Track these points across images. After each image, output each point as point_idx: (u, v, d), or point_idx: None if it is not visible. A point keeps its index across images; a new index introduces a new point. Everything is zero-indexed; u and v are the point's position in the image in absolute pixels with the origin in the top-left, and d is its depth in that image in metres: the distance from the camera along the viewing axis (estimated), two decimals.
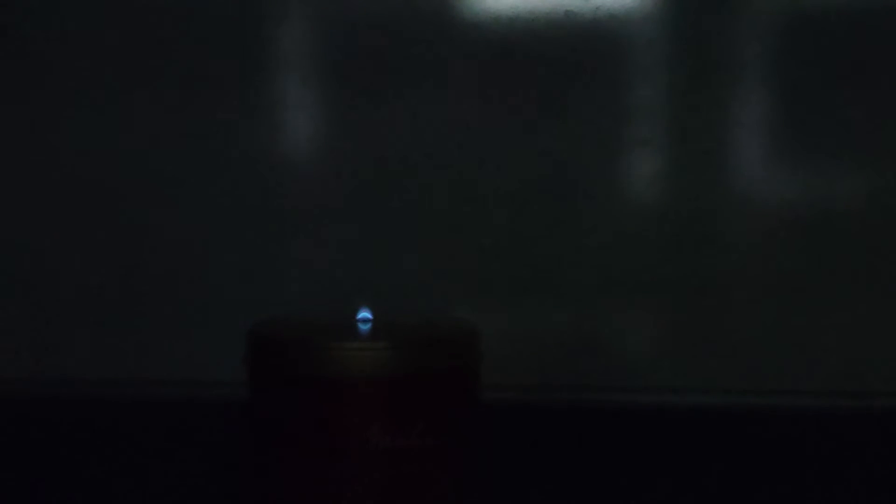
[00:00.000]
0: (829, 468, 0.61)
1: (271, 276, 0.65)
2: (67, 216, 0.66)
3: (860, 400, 0.62)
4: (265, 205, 0.65)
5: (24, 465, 0.63)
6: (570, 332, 0.64)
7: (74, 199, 0.66)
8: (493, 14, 0.63)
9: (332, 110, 0.66)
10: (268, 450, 0.44)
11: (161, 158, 0.65)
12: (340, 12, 0.64)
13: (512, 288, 0.64)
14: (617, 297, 0.64)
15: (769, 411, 0.62)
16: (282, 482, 0.43)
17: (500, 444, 0.54)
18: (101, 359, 0.66)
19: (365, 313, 0.47)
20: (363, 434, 0.42)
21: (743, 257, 0.63)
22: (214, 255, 0.66)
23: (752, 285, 0.63)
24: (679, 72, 0.63)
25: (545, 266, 0.64)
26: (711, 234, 0.63)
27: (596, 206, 0.64)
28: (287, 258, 0.65)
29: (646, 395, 0.63)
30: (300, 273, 0.65)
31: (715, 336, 0.64)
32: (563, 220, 0.64)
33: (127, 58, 0.65)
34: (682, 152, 0.63)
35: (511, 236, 0.64)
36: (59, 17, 0.65)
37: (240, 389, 0.46)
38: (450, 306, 0.64)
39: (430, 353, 0.44)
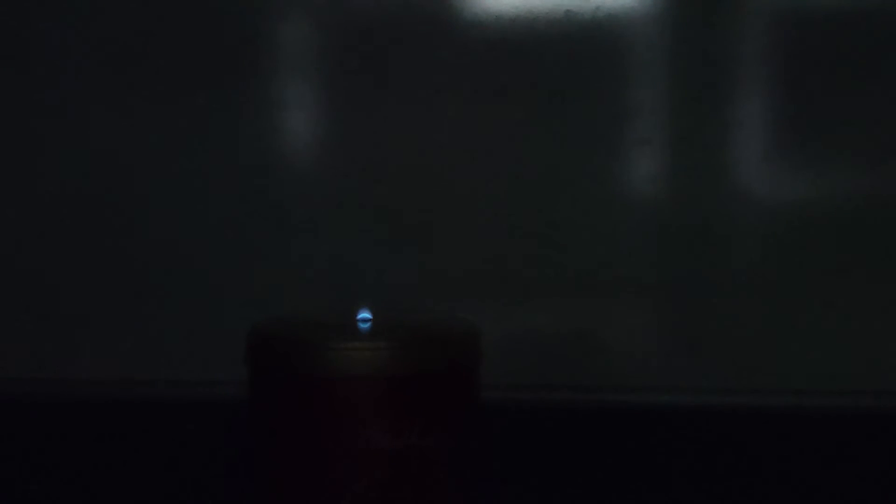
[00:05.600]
0: (830, 468, 0.61)
1: (271, 276, 0.65)
2: (66, 216, 0.66)
3: (860, 400, 0.62)
4: (265, 205, 0.65)
5: (24, 465, 0.63)
6: (570, 331, 0.64)
7: (73, 199, 0.66)
8: (493, 14, 0.63)
9: (331, 110, 0.66)
10: (268, 450, 0.44)
11: (160, 158, 0.65)
12: (340, 12, 0.64)
13: (512, 288, 0.64)
14: (616, 297, 0.64)
15: (769, 411, 0.62)
16: (282, 482, 0.43)
17: (500, 444, 0.54)
18: (101, 359, 0.66)
19: (365, 313, 0.47)
20: (363, 434, 0.42)
21: (743, 257, 0.63)
22: (214, 255, 0.66)
23: (752, 285, 0.63)
24: (679, 72, 0.63)
25: (544, 266, 0.64)
26: (711, 234, 0.63)
27: (596, 206, 0.64)
28: (287, 258, 0.65)
29: (646, 395, 0.63)
30: (300, 273, 0.65)
31: (715, 336, 0.64)
32: (563, 220, 0.64)
33: (125, 57, 0.65)
34: (682, 152, 0.63)
35: (511, 236, 0.64)
36: (56, 17, 0.65)
37: (240, 389, 0.46)
38: (450, 306, 0.64)
39: (430, 353, 0.44)
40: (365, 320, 0.46)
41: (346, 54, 0.64)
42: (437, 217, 0.64)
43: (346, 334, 0.45)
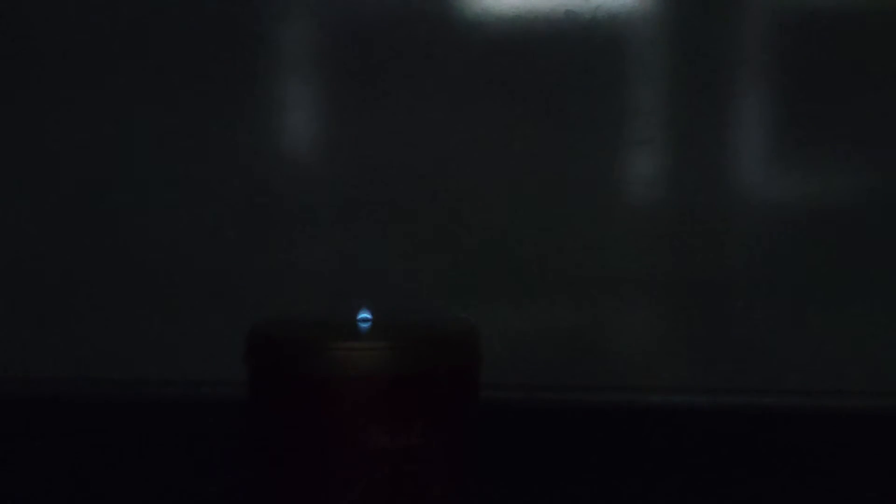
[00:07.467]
0: (830, 468, 0.61)
1: (271, 276, 0.65)
2: (66, 216, 0.66)
3: (860, 400, 0.62)
4: (265, 205, 0.65)
5: (24, 465, 0.63)
6: (570, 331, 0.64)
7: (73, 199, 0.66)
8: (493, 14, 0.63)
9: (331, 110, 0.66)
10: (268, 450, 0.44)
11: (160, 158, 0.65)
12: (340, 12, 0.64)
13: (512, 288, 0.64)
14: (617, 297, 0.64)
15: (769, 411, 0.62)
16: (281, 482, 0.43)
17: (500, 444, 0.54)
18: (101, 359, 0.66)
19: (365, 313, 0.47)
20: (363, 434, 0.42)
21: (743, 257, 0.63)
22: (214, 255, 0.66)
23: (752, 285, 0.63)
24: (679, 72, 0.63)
25: (545, 266, 0.64)
26: (711, 233, 0.63)
27: (596, 205, 0.64)
28: (287, 258, 0.65)
29: (646, 395, 0.63)
30: (299, 273, 0.65)
31: (715, 336, 0.64)
32: (563, 220, 0.64)
33: (125, 57, 0.65)
34: (682, 152, 0.63)
35: (511, 236, 0.64)
36: (56, 16, 0.65)
37: (240, 389, 0.46)
38: (450, 306, 0.64)
39: (430, 353, 0.44)
40: (365, 320, 0.46)
41: (347, 54, 0.64)
42: (436, 217, 0.64)
43: (346, 334, 0.45)
